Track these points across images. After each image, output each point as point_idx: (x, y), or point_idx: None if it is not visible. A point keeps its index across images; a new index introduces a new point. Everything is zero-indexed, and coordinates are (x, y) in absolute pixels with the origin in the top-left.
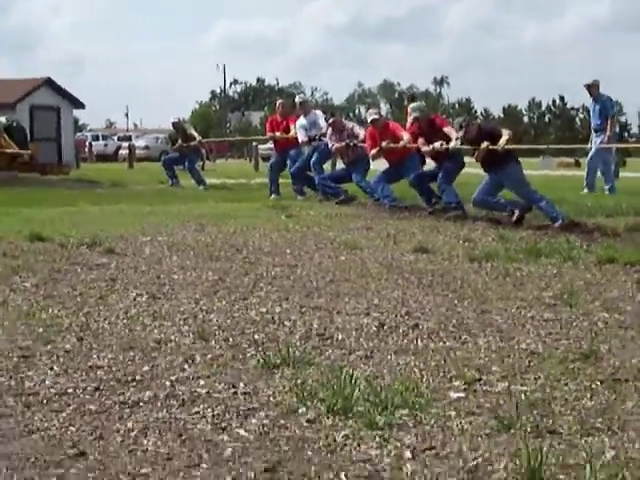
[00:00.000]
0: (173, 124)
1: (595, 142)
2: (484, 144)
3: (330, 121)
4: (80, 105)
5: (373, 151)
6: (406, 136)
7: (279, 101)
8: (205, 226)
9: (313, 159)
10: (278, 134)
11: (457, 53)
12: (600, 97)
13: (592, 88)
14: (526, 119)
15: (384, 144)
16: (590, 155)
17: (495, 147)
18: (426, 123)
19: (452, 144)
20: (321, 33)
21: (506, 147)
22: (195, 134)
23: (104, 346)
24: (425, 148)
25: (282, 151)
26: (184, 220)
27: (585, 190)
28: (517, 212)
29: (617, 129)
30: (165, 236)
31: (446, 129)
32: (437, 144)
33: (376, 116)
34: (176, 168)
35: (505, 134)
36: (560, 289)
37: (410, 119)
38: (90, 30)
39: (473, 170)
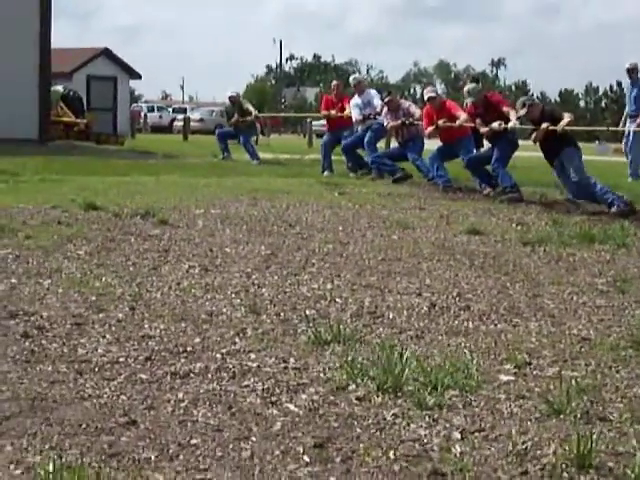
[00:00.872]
0: (230, 98)
1: (629, 128)
2: (544, 124)
3: (386, 100)
4: (136, 76)
5: (429, 129)
6: (463, 115)
7: (334, 82)
8: (258, 200)
9: (367, 138)
10: (333, 112)
11: (516, 35)
12: (637, 82)
13: (633, 72)
14: (582, 104)
15: (440, 122)
16: (630, 144)
17: (555, 128)
18: (482, 103)
19: (511, 124)
20: (379, 11)
21: (565, 129)
22: (251, 109)
23: (156, 316)
24: (483, 129)
25: (336, 130)
26: (237, 194)
27: (629, 179)
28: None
29: None
30: (218, 209)
31: (505, 108)
32: (495, 124)
33: (433, 94)
34: (230, 142)
35: (566, 117)
36: (613, 276)
37: (467, 101)
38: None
39: (525, 153)
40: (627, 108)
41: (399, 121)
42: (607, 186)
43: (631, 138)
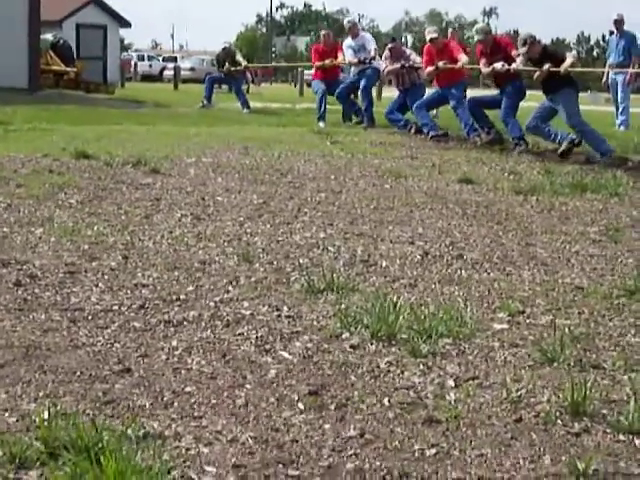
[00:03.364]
0: (224, 49)
1: (616, 79)
2: (546, 65)
3: (390, 45)
4: (126, 24)
5: (429, 69)
6: (464, 57)
7: (323, 31)
8: (250, 149)
9: (362, 85)
10: (328, 62)
11: None
12: (626, 34)
13: (620, 23)
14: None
15: (441, 64)
16: (619, 95)
17: (557, 69)
18: (490, 45)
19: (514, 65)
20: None
21: (568, 71)
22: (242, 60)
23: (149, 265)
24: (485, 69)
25: (327, 79)
26: (229, 143)
27: (622, 128)
28: (565, 144)
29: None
30: (210, 158)
31: (513, 52)
32: (498, 65)
33: (435, 34)
34: (219, 91)
35: (569, 57)
36: (606, 225)
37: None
38: None
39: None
40: (611, 59)
41: (398, 65)
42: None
43: (620, 88)
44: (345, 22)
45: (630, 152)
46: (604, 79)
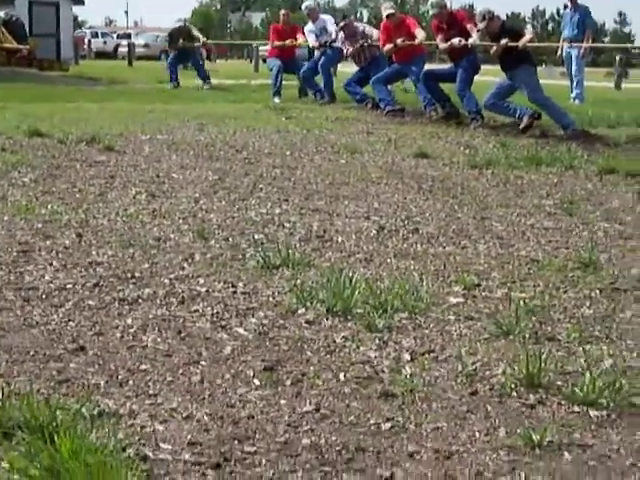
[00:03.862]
0: (179, 27)
1: (570, 52)
2: (503, 41)
3: (342, 24)
4: (79, 1)
5: (387, 46)
6: (421, 34)
7: (282, 11)
8: (205, 126)
9: (321, 62)
10: (288, 42)
11: None
12: (579, 7)
13: None
14: (529, 27)
15: (399, 41)
16: (574, 68)
17: (515, 44)
18: (446, 19)
19: (471, 40)
20: None
21: (526, 46)
22: (200, 35)
23: (103, 243)
24: (442, 45)
25: (283, 57)
26: (184, 119)
27: (576, 101)
28: (526, 119)
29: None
30: (165, 135)
31: (468, 25)
32: (455, 40)
33: (392, 10)
34: (179, 67)
35: (527, 33)
36: (560, 198)
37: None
38: None
39: (490, 78)
40: (565, 32)
41: (358, 45)
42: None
43: (574, 62)
44: (303, 7)
45: (585, 125)
46: (559, 52)
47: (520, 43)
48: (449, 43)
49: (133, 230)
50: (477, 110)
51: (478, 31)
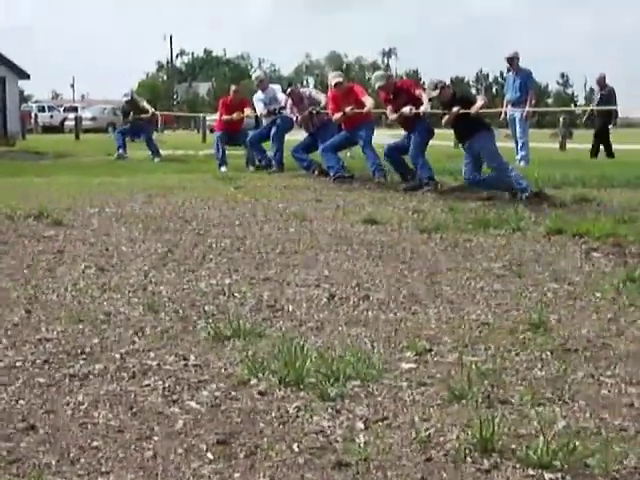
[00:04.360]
0: (127, 100)
1: (514, 115)
2: (455, 108)
3: (288, 92)
4: (25, 76)
5: (336, 115)
6: (369, 101)
7: (233, 88)
8: (154, 198)
9: (273, 131)
10: (235, 115)
11: (407, 24)
12: (521, 70)
13: (513, 61)
14: (474, 91)
15: (348, 110)
16: (518, 130)
17: (467, 111)
18: (392, 90)
19: (422, 108)
20: (272, 3)
21: (478, 113)
22: (148, 106)
23: (53, 319)
24: (392, 116)
25: (230, 130)
26: (132, 192)
27: (521, 163)
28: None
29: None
30: (113, 208)
31: (417, 92)
32: (406, 109)
33: (340, 79)
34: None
35: (479, 100)
36: (509, 260)
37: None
38: None
39: (443, 143)
40: (508, 95)
41: (307, 112)
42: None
43: (518, 124)
44: (254, 77)
45: (531, 186)
46: (502, 115)
47: (472, 109)
48: (399, 113)
49: (83, 305)
50: (430, 176)
51: (430, 100)
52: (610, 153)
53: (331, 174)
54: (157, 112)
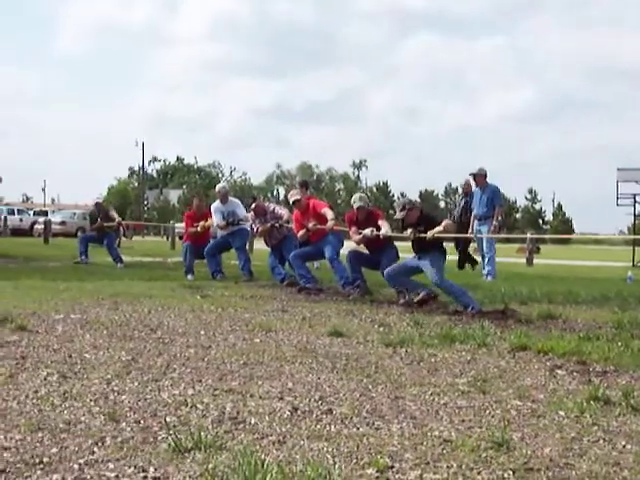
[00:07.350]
0: (96, 205)
1: (481, 230)
2: (409, 230)
3: (252, 206)
4: None
5: (300, 233)
6: (329, 213)
7: (195, 199)
8: (120, 304)
9: (235, 245)
10: (199, 229)
11: (377, 137)
12: (488, 186)
13: (478, 177)
14: (442, 204)
15: (310, 226)
16: (485, 245)
17: (425, 235)
18: (364, 215)
19: (383, 230)
20: (245, 114)
21: (436, 236)
22: (115, 215)
23: (12, 426)
24: (356, 237)
25: (197, 243)
26: (98, 298)
27: (489, 278)
28: (422, 293)
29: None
30: (78, 314)
31: (380, 221)
32: (367, 231)
33: (298, 197)
34: (91, 245)
35: (442, 225)
36: (474, 376)
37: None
38: (5, 102)
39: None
40: (475, 210)
41: (268, 225)
42: (464, 288)
43: (485, 239)
44: (218, 187)
45: (497, 302)
46: (470, 230)
47: (429, 234)
48: (362, 235)
49: (43, 413)
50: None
51: (396, 220)
52: (471, 263)
53: (302, 282)
54: (122, 221)
